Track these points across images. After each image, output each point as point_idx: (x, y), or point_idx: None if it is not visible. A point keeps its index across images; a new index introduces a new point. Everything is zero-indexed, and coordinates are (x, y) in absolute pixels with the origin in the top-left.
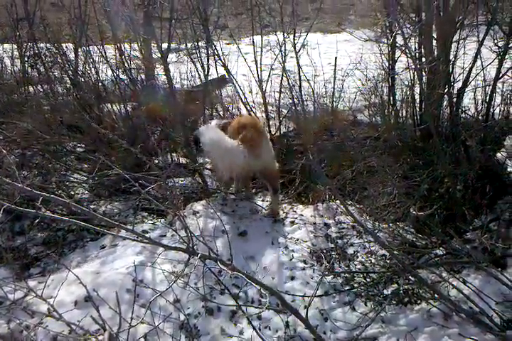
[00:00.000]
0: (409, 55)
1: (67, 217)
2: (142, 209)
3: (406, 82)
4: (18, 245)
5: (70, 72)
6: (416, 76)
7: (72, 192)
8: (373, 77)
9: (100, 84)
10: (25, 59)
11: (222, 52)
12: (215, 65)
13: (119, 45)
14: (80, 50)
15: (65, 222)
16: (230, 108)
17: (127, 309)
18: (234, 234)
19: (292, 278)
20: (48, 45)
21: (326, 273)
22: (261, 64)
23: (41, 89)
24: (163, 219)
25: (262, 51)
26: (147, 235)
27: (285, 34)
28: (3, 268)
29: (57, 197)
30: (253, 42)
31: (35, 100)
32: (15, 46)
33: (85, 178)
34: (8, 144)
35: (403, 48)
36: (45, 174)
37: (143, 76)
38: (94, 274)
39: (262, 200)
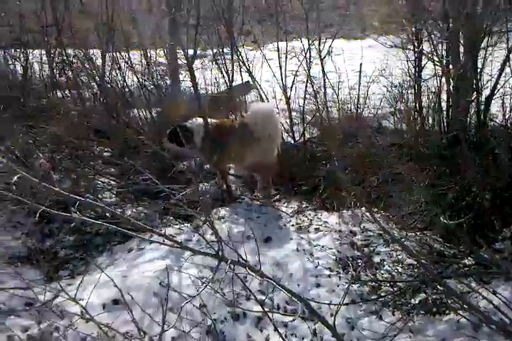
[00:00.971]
0: (436, 62)
1: (98, 221)
2: (168, 213)
3: (433, 89)
4: (47, 247)
5: (97, 77)
6: (445, 82)
7: (100, 196)
8: (399, 83)
9: (126, 89)
10: (54, 64)
11: (247, 59)
12: (240, 71)
13: (145, 51)
14: (106, 56)
15: (94, 225)
16: None
17: (154, 312)
18: (259, 240)
19: (318, 286)
20: (76, 51)
21: (353, 281)
22: (285, 70)
23: (69, 95)
24: (188, 224)
25: (286, 57)
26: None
27: (310, 40)
28: (33, 270)
29: (92, 201)
30: (278, 48)
31: (63, 105)
32: (44, 52)
33: (112, 182)
34: (37, 148)
35: (430, 55)
36: (74, 178)
37: (168, 82)
38: (122, 277)
39: (286, 207)
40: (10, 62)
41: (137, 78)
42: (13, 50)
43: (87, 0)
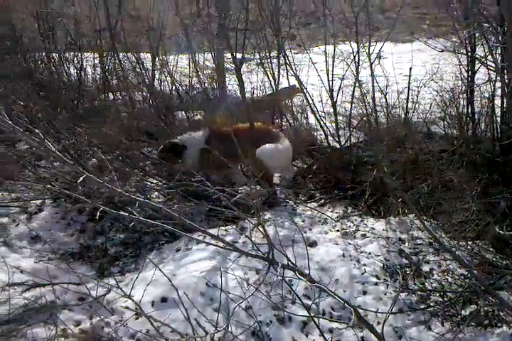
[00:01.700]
0: (490, 67)
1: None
2: (213, 215)
3: (486, 94)
4: (98, 244)
5: (146, 80)
6: (499, 88)
7: (149, 196)
8: (451, 88)
9: (174, 92)
10: (106, 68)
11: (294, 62)
12: (287, 74)
13: (193, 55)
14: (156, 59)
15: (143, 224)
16: (299, 117)
17: (201, 311)
18: (304, 244)
19: (364, 293)
20: (127, 54)
21: (401, 289)
22: (332, 73)
23: (120, 97)
24: (234, 226)
25: (334, 61)
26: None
27: (359, 44)
28: (85, 266)
29: (149, 201)
30: (325, 51)
31: (115, 107)
32: (97, 55)
33: (160, 183)
34: (89, 149)
35: (483, 59)
36: (125, 178)
37: (215, 85)
38: (171, 276)
39: (331, 211)
40: (65, 65)
41: (185, 81)
42: (67, 54)
43: (138, 5)
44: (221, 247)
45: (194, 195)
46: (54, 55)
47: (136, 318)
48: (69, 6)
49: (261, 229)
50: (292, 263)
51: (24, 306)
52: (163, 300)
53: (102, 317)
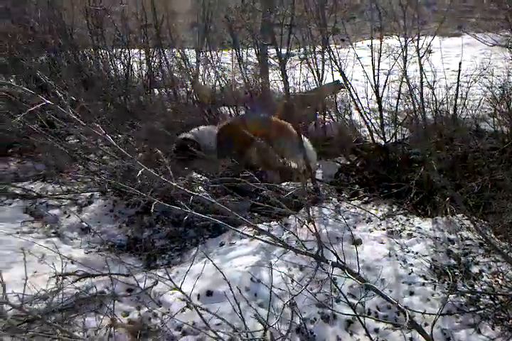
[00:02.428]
0: None
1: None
2: (256, 210)
3: None
4: (145, 237)
5: (191, 76)
6: None
7: (197, 191)
8: (502, 83)
9: (218, 88)
10: (152, 63)
11: (339, 58)
12: (332, 70)
13: (237, 50)
14: (201, 55)
15: (193, 218)
16: (343, 113)
17: (246, 307)
18: (348, 242)
19: (411, 294)
20: (173, 50)
21: (450, 291)
22: (378, 68)
23: (165, 92)
24: (277, 222)
25: (380, 55)
26: (262, 236)
27: (407, 38)
28: (132, 258)
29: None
30: (371, 46)
31: (160, 102)
32: (143, 51)
33: (204, 178)
34: (136, 143)
35: None
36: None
37: (258, 80)
38: (216, 270)
39: (376, 209)
40: (113, 62)
41: (229, 77)
42: (115, 50)
43: (183, 0)
44: (271, 243)
45: (237, 190)
46: (102, 51)
47: (183, 310)
48: (117, 3)
49: (311, 226)
50: (342, 261)
51: (76, 295)
52: (209, 293)
53: (149, 308)
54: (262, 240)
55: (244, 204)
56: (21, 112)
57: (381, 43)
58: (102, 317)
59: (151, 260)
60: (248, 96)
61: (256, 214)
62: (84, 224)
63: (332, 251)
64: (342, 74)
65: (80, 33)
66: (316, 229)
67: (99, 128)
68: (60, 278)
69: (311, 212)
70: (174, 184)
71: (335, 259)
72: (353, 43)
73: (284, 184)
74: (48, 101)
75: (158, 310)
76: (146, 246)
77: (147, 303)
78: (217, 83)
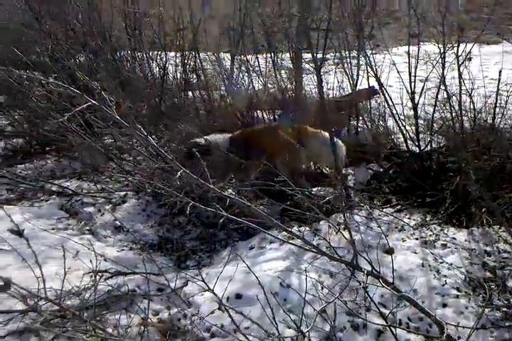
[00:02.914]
0: None
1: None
2: (287, 215)
3: None
4: (176, 237)
5: (225, 79)
6: None
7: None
8: None
9: (251, 91)
10: (187, 66)
11: (375, 63)
12: (367, 75)
13: (272, 54)
14: (235, 58)
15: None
16: (376, 119)
17: (275, 311)
18: (381, 251)
19: (444, 306)
20: (208, 53)
21: (485, 304)
22: (415, 75)
23: (199, 95)
24: (307, 227)
25: (417, 62)
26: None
27: (446, 45)
28: (163, 258)
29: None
30: (408, 52)
31: (193, 105)
32: (178, 54)
33: (234, 181)
34: (169, 145)
35: None
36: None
37: (292, 85)
38: (245, 273)
39: (409, 218)
40: (149, 64)
41: (262, 80)
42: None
43: (218, 5)
44: (305, 249)
45: (268, 194)
46: (139, 53)
47: (212, 312)
48: (154, 7)
49: (345, 233)
50: (376, 270)
51: (108, 292)
52: (238, 296)
53: (179, 308)
54: (296, 245)
55: (275, 209)
56: (59, 111)
57: (419, 49)
58: (132, 315)
59: (181, 260)
60: (281, 100)
61: (287, 218)
62: (117, 222)
63: (367, 260)
64: (377, 79)
65: (117, 35)
66: (351, 237)
67: (142, 130)
68: (94, 275)
69: (342, 219)
70: (211, 186)
71: (367, 267)
72: (389, 49)
73: (314, 189)
74: (94, 102)
75: (188, 310)
76: (177, 247)
77: (177, 303)
78: (251, 87)
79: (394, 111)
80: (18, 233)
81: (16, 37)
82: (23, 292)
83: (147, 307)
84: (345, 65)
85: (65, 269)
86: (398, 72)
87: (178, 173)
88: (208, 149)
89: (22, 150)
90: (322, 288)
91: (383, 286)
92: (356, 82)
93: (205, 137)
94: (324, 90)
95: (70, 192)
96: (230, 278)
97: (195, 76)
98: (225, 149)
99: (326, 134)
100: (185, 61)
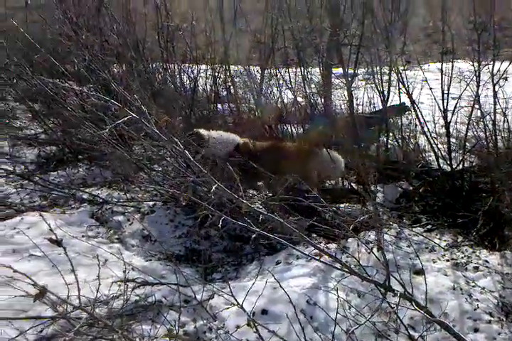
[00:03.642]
0: None
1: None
2: (314, 231)
3: None
4: (202, 249)
5: (255, 92)
6: None
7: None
8: None
9: (281, 105)
10: (217, 79)
11: (407, 79)
12: (399, 92)
13: (301, 69)
14: (265, 72)
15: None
16: (407, 136)
17: (301, 329)
18: (409, 271)
19: (476, 330)
20: (238, 66)
21: None
22: (448, 92)
23: (228, 108)
24: (334, 244)
25: (451, 79)
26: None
27: (480, 63)
28: (189, 269)
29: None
30: (441, 69)
31: (223, 117)
32: (209, 67)
33: (260, 195)
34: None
35: None
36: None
37: (321, 99)
38: (271, 289)
39: (439, 239)
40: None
41: (291, 94)
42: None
43: (249, 20)
44: (337, 268)
45: (294, 208)
46: (171, 65)
47: (237, 327)
48: (187, 21)
49: (377, 252)
50: (409, 292)
51: (135, 302)
52: (264, 312)
53: (204, 321)
54: (326, 264)
55: (302, 224)
56: (93, 121)
57: (452, 66)
58: (158, 326)
59: (207, 273)
60: (311, 114)
61: (314, 234)
62: (145, 232)
63: (399, 282)
64: (409, 96)
65: (150, 48)
66: (385, 258)
67: (179, 143)
68: (122, 284)
69: (372, 236)
70: (245, 202)
71: (397, 288)
72: (420, 65)
73: (342, 205)
74: (135, 115)
75: (214, 323)
76: (203, 259)
77: (203, 316)
78: (281, 100)
79: (425, 129)
80: (57, 242)
81: (52, 47)
82: (53, 298)
83: (173, 319)
84: (376, 81)
85: (95, 277)
86: (430, 88)
87: (213, 187)
88: (202, 141)
89: (55, 157)
90: (349, 308)
91: (415, 309)
92: (387, 98)
93: (213, 131)
94: (354, 105)
95: (101, 200)
96: (258, 294)
97: (224, 89)
98: (224, 150)
99: (328, 152)
100: (216, 74)
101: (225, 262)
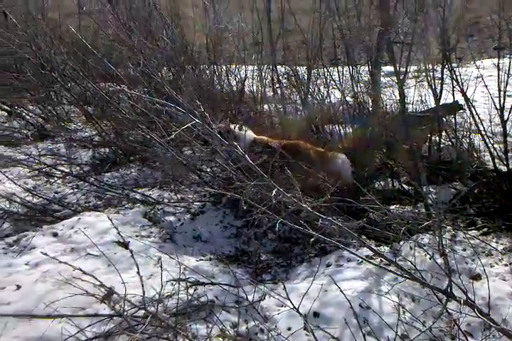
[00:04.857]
0: None
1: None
2: (365, 233)
3: None
4: (252, 250)
5: (302, 92)
6: None
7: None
8: None
9: (328, 105)
10: (264, 80)
11: (460, 77)
12: (453, 90)
13: (349, 67)
14: (312, 72)
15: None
16: (461, 136)
17: (354, 332)
18: (465, 276)
19: None
20: (284, 66)
21: None
22: (505, 90)
23: (275, 108)
24: (387, 247)
25: (508, 76)
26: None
27: None
28: (239, 270)
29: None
30: (497, 65)
31: (268, 118)
32: (256, 67)
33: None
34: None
35: None
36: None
37: (369, 99)
38: (322, 291)
39: (496, 242)
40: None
41: (340, 93)
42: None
43: (296, 19)
44: (394, 273)
45: (343, 211)
46: (218, 67)
47: (289, 329)
48: (234, 22)
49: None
50: (470, 299)
51: (188, 301)
52: (316, 314)
53: (256, 322)
54: (386, 268)
55: (352, 226)
56: (143, 123)
57: (510, 62)
58: (211, 326)
59: (257, 273)
60: (359, 114)
61: (364, 237)
62: (196, 232)
63: (461, 288)
64: (463, 94)
65: (198, 50)
66: (447, 263)
67: (238, 148)
68: (174, 283)
69: (425, 239)
70: (305, 205)
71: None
72: (473, 62)
73: (392, 207)
74: (198, 121)
75: (266, 325)
76: (253, 260)
77: (254, 317)
78: (328, 100)
79: (480, 128)
80: (124, 245)
81: (105, 51)
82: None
83: (224, 319)
84: (429, 79)
85: (148, 276)
86: (486, 86)
87: (273, 191)
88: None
89: (109, 159)
90: (404, 312)
91: (478, 316)
92: (440, 97)
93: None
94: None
95: (153, 200)
96: (309, 296)
97: (271, 89)
98: (246, 146)
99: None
100: (263, 74)
101: (274, 263)
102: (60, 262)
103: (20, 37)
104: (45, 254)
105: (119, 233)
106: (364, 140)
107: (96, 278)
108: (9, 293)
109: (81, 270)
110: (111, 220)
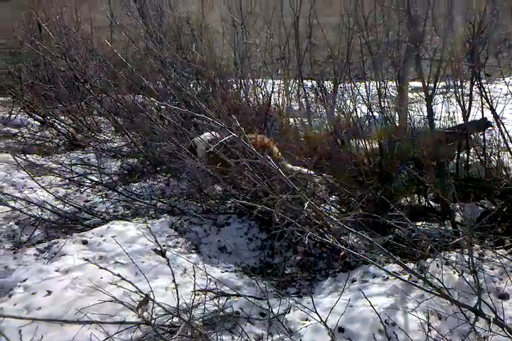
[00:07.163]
0: None
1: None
2: (389, 249)
3: None
4: (276, 263)
5: (328, 106)
6: None
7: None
8: None
9: (354, 119)
10: (291, 94)
11: (490, 94)
12: (481, 106)
13: (376, 82)
14: (338, 86)
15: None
16: (489, 153)
17: None
18: (494, 295)
19: None
20: (312, 81)
21: None
22: None
23: (299, 122)
24: (414, 264)
25: None
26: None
27: None
28: (264, 282)
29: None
30: None
31: (294, 131)
32: (282, 81)
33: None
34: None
35: None
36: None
37: (397, 114)
38: (348, 307)
39: None
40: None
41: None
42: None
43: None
44: (423, 289)
45: (369, 225)
46: (244, 80)
47: None
48: (260, 37)
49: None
50: (500, 318)
51: (214, 312)
52: (341, 330)
53: (280, 335)
54: (415, 285)
55: (378, 241)
56: (173, 135)
57: None
58: (236, 337)
59: (282, 286)
60: (386, 129)
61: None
62: (221, 243)
63: (490, 307)
64: (492, 111)
65: (225, 64)
66: (477, 282)
67: (271, 161)
68: (200, 293)
69: (452, 257)
70: (336, 220)
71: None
72: (501, 79)
73: (418, 223)
74: (235, 135)
75: (290, 338)
76: (279, 272)
77: (279, 330)
78: (354, 114)
79: (510, 145)
80: (161, 253)
81: (136, 64)
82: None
83: (249, 331)
84: (457, 95)
85: (174, 286)
86: None
87: (306, 204)
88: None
89: (137, 169)
90: (430, 330)
91: (508, 336)
92: (468, 113)
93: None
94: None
95: (179, 211)
96: (334, 310)
97: (297, 103)
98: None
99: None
100: (289, 88)
101: (299, 277)
102: (101, 268)
103: (54, 49)
104: (87, 260)
105: (156, 241)
106: (391, 155)
107: (133, 285)
108: (40, 298)
109: (119, 276)
110: (149, 228)
